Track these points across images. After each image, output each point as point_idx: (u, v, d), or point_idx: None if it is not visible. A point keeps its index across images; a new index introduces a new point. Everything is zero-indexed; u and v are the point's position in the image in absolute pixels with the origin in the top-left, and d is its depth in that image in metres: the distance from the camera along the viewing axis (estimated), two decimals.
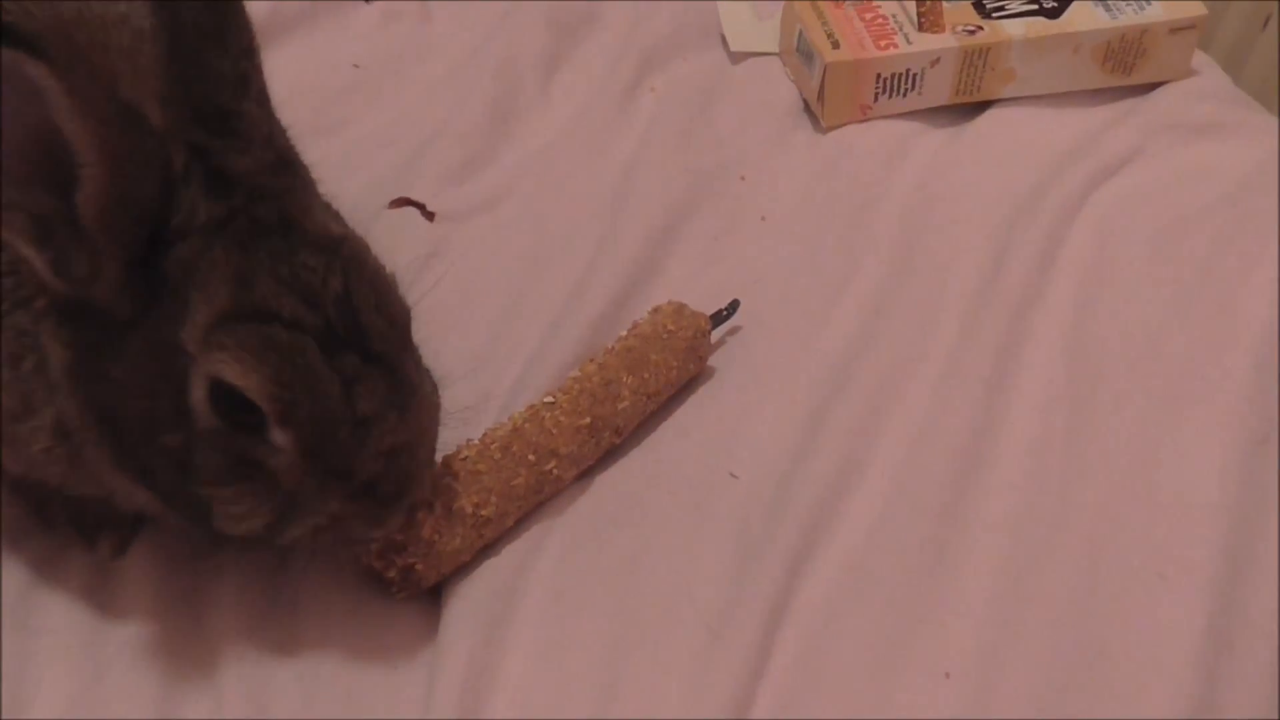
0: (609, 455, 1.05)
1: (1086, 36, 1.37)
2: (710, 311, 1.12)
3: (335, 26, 1.45)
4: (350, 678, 0.92)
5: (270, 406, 0.79)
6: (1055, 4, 1.39)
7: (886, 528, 1.00)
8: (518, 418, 1.01)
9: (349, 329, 0.80)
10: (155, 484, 0.83)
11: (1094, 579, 0.98)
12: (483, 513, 0.95)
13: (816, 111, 1.38)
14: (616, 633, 0.93)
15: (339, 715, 0.90)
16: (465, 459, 0.97)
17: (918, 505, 1.02)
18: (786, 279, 1.21)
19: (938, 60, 1.35)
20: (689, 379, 1.11)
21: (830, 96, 1.35)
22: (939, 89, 1.38)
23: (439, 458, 0.94)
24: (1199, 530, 1.00)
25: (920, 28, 1.37)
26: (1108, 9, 1.38)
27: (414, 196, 1.26)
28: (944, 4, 1.39)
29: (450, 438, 0.95)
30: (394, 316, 0.84)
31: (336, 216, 0.89)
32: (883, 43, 1.35)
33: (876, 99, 1.37)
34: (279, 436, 0.80)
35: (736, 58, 1.45)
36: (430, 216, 1.25)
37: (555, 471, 1.00)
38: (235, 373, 0.77)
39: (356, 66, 1.41)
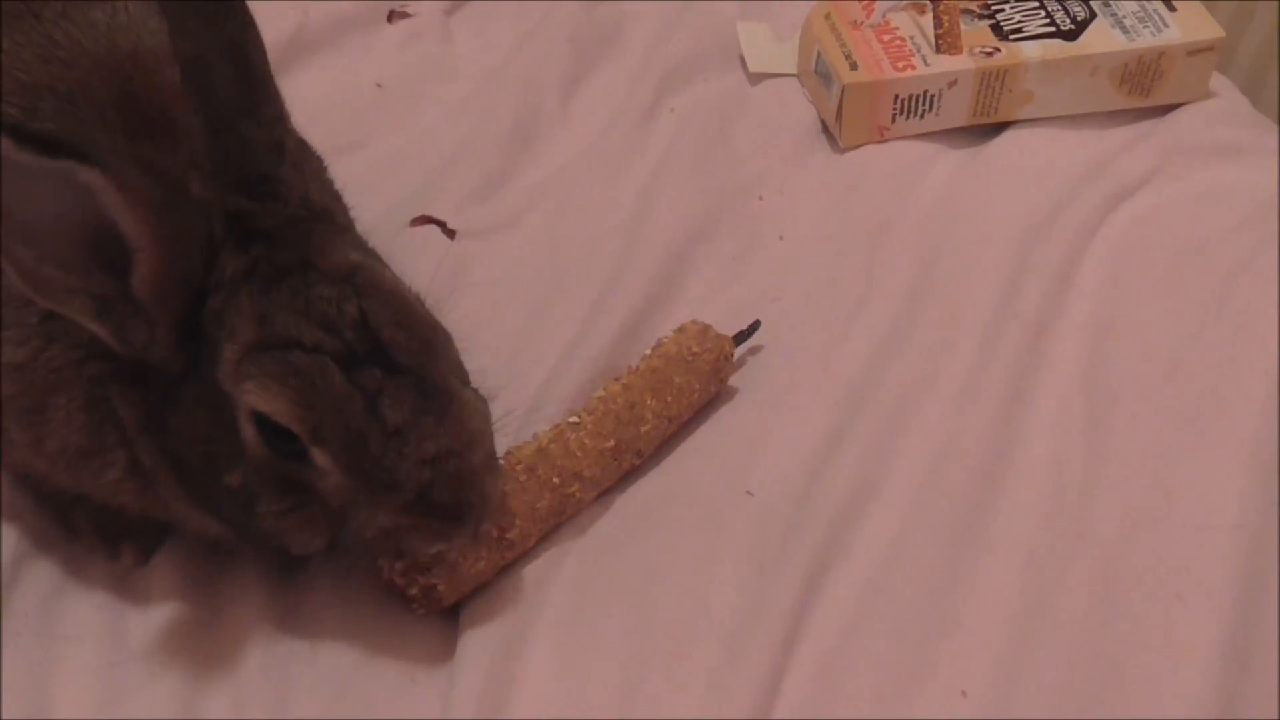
0: (628, 472, 1.06)
1: (1104, 59, 1.37)
2: (729, 331, 1.13)
3: (358, 46, 1.47)
4: (369, 689, 0.92)
5: (299, 427, 0.82)
6: (1073, 26, 1.39)
7: (903, 547, 1.01)
8: (542, 438, 1.01)
9: (369, 347, 0.83)
10: (225, 518, 0.88)
11: (1111, 599, 0.98)
12: (507, 535, 0.96)
13: (834, 132, 1.39)
14: (634, 649, 0.94)
15: None
16: None
17: (935, 525, 1.02)
18: (804, 299, 1.21)
19: (955, 82, 1.36)
20: (709, 400, 1.11)
21: (848, 117, 1.36)
22: (956, 110, 1.38)
23: None
24: (1216, 551, 1.00)
25: (938, 49, 1.37)
26: (1125, 31, 1.39)
27: (435, 215, 1.27)
28: (962, 26, 1.39)
29: None
30: (416, 330, 0.86)
31: (359, 244, 0.92)
32: (900, 64, 1.36)
33: (894, 120, 1.37)
34: (318, 457, 0.83)
35: (755, 79, 1.46)
36: (451, 234, 1.26)
37: (577, 494, 1.00)
38: (262, 399, 0.81)
39: (379, 86, 1.42)
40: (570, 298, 1.20)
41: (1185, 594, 0.97)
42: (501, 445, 1.01)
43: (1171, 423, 1.10)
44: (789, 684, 0.92)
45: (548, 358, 1.14)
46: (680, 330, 1.11)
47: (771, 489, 1.04)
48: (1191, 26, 1.39)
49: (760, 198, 1.33)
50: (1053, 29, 1.39)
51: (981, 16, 1.40)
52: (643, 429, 1.03)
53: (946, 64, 1.36)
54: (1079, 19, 1.40)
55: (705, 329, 1.11)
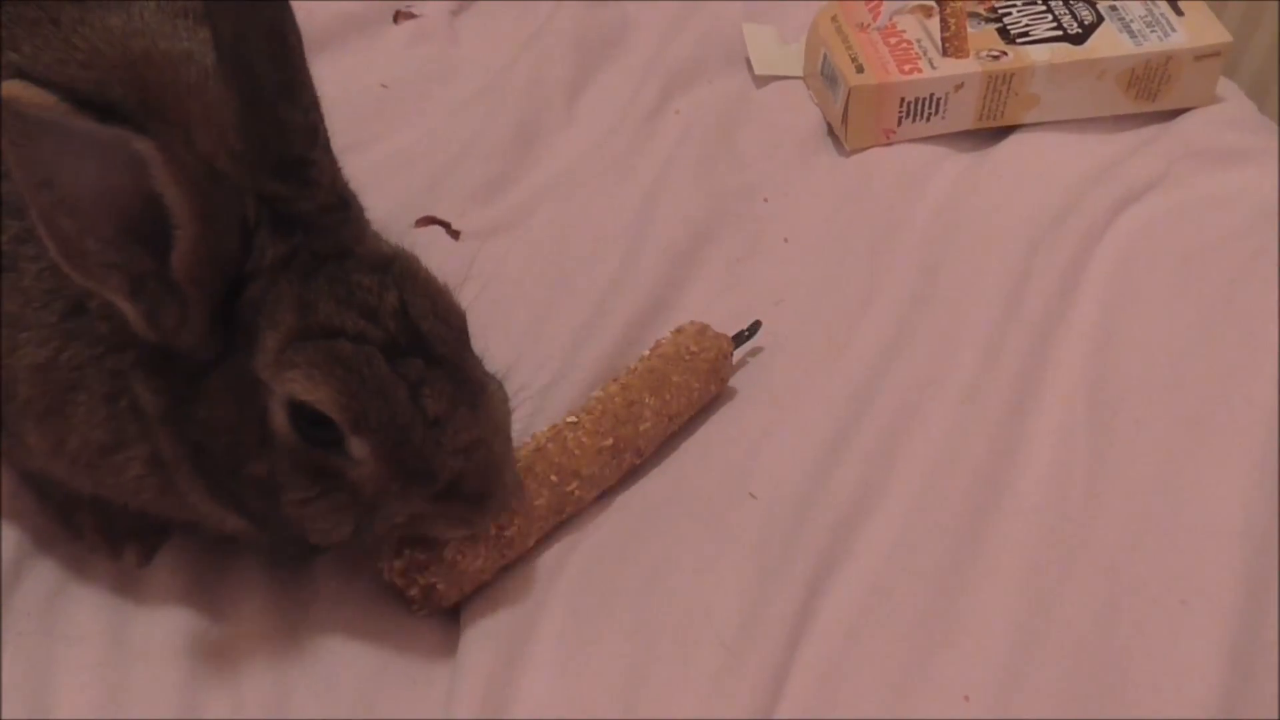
0: (629, 474, 1.05)
1: (1111, 63, 1.37)
2: (732, 332, 1.13)
3: (363, 47, 1.47)
4: (370, 690, 0.92)
5: (342, 416, 0.82)
6: (1080, 30, 1.39)
7: (906, 550, 1.00)
8: (540, 437, 1.01)
9: (410, 337, 0.84)
10: (246, 510, 0.87)
11: (1115, 605, 0.97)
12: (506, 534, 0.95)
13: (840, 135, 1.38)
14: (636, 651, 0.93)
15: None
16: None
17: (938, 528, 1.02)
18: (808, 301, 1.21)
19: (962, 85, 1.36)
20: (710, 400, 1.11)
21: (854, 120, 1.36)
22: (963, 113, 1.38)
23: None
24: (1221, 557, 0.99)
25: (944, 53, 1.37)
26: (1132, 35, 1.39)
27: (439, 215, 1.27)
28: (968, 29, 1.39)
29: None
30: (452, 321, 0.87)
31: (378, 237, 0.92)
32: (907, 67, 1.36)
33: (900, 123, 1.37)
34: (356, 447, 0.83)
35: (761, 81, 1.46)
36: (455, 235, 1.26)
37: (577, 492, 1.00)
38: (306, 388, 0.81)
39: (384, 87, 1.42)
40: (575, 299, 1.20)
41: (1190, 599, 0.97)
42: None
43: (1176, 428, 1.09)
44: (791, 687, 0.92)
45: (552, 359, 1.14)
46: (678, 331, 1.11)
47: (774, 491, 1.04)
48: (1198, 31, 1.39)
49: (765, 200, 1.33)
50: (1060, 33, 1.39)
51: (988, 20, 1.40)
52: (642, 427, 1.03)
53: (953, 67, 1.36)
54: (1086, 23, 1.39)
55: (703, 328, 1.11)
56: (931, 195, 1.32)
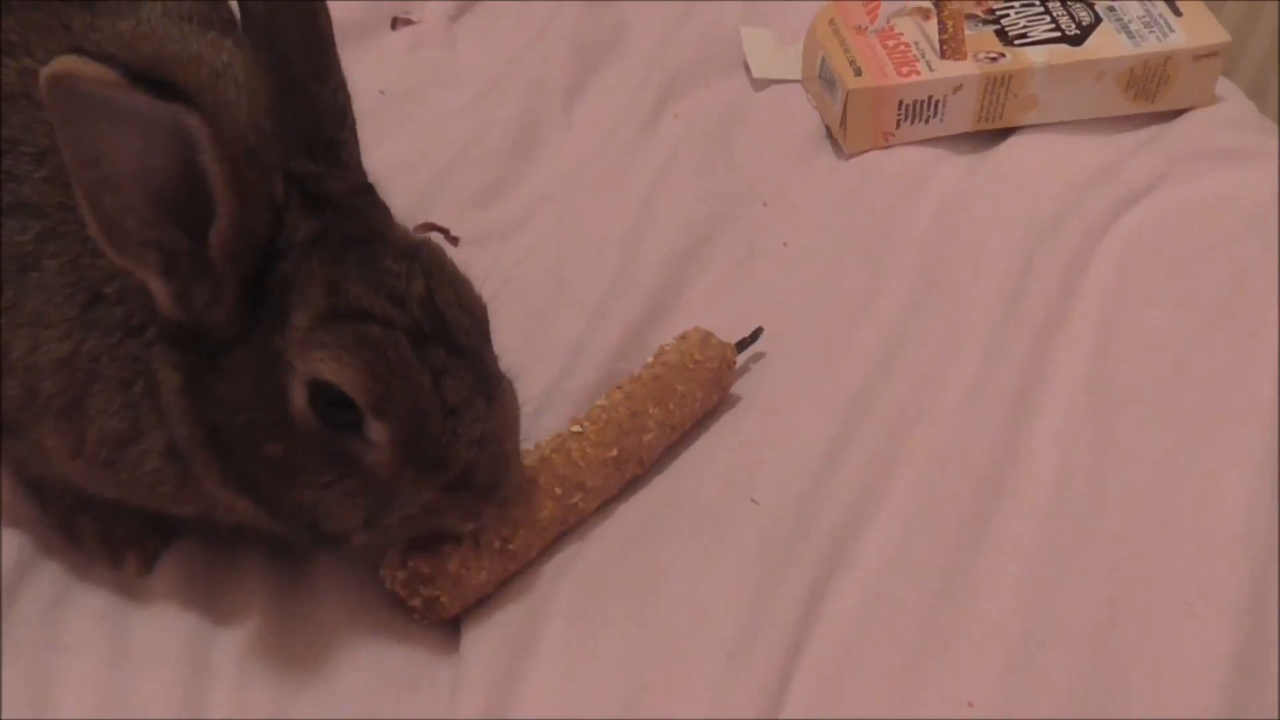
0: (631, 481, 1.05)
1: (1109, 64, 1.37)
2: (732, 338, 1.12)
3: (361, 52, 1.46)
4: (371, 695, 0.92)
5: (365, 399, 0.82)
6: (1078, 31, 1.39)
7: (908, 554, 1.00)
8: (545, 447, 1.01)
9: (435, 325, 0.84)
10: (258, 494, 0.87)
11: (1117, 607, 0.97)
12: (510, 546, 0.95)
13: (838, 138, 1.38)
14: (638, 657, 0.93)
15: None
16: None
17: (939, 532, 1.02)
18: (808, 305, 1.21)
19: (960, 87, 1.36)
20: (712, 408, 1.11)
21: (852, 123, 1.36)
22: (961, 116, 1.38)
23: None
24: (1224, 559, 0.99)
25: (942, 55, 1.37)
26: (1131, 36, 1.38)
27: (438, 221, 1.27)
28: (966, 31, 1.39)
29: None
30: (474, 312, 0.88)
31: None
32: (905, 70, 1.35)
33: (899, 126, 1.37)
34: (375, 431, 0.84)
35: (759, 84, 1.46)
36: (454, 241, 1.26)
37: (580, 504, 1.00)
38: (332, 369, 0.81)
39: (382, 93, 1.42)
40: (573, 304, 1.20)
41: (1192, 602, 0.97)
42: None
43: (1178, 430, 1.09)
44: (793, 693, 0.91)
45: (551, 364, 1.14)
46: (682, 338, 1.10)
47: (775, 496, 1.04)
48: (1197, 31, 1.39)
49: (764, 204, 1.33)
50: (1058, 34, 1.38)
51: (986, 22, 1.40)
52: (645, 438, 1.03)
53: (951, 69, 1.36)
54: (1084, 24, 1.39)
55: (707, 336, 1.10)
56: (931, 198, 1.31)
